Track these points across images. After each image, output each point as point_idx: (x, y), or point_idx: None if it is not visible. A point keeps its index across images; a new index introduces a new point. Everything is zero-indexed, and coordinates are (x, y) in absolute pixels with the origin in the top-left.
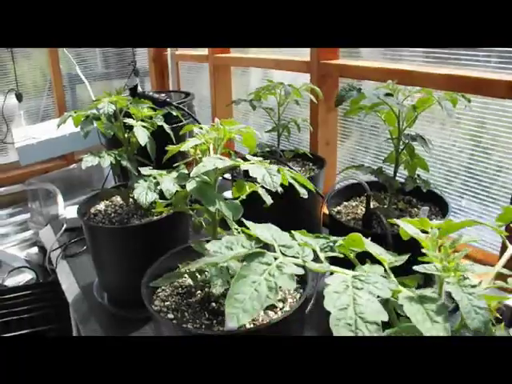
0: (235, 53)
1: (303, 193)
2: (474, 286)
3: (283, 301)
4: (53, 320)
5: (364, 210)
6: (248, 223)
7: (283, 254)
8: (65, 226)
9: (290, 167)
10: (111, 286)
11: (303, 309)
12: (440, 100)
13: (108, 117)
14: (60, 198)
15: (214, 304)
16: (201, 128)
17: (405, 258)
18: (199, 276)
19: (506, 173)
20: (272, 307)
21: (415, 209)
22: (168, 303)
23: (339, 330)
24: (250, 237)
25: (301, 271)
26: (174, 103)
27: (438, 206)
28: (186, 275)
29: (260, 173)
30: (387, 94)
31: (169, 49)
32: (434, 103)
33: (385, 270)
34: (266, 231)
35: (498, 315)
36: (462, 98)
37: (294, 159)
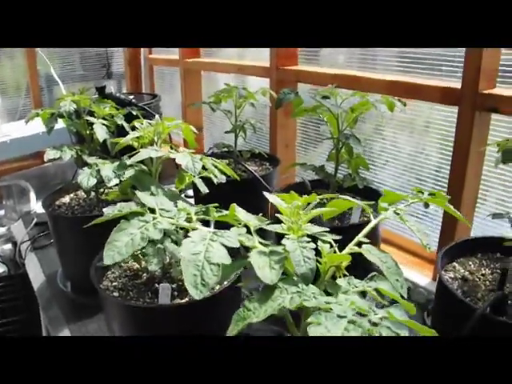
0: (204, 58)
1: (221, 177)
2: (308, 242)
3: (220, 283)
4: (23, 310)
5: None
6: (139, 193)
7: (162, 215)
8: (35, 220)
9: (244, 166)
10: (74, 275)
11: (233, 287)
12: (377, 103)
13: (69, 115)
14: (32, 194)
15: (157, 285)
16: (141, 123)
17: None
18: (142, 258)
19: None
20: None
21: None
22: (115, 283)
23: (188, 269)
24: (142, 205)
25: (171, 227)
26: (140, 104)
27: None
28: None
29: (185, 160)
30: (324, 97)
31: (142, 53)
32: (371, 106)
33: (249, 232)
34: (153, 200)
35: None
36: (399, 101)
37: (252, 159)
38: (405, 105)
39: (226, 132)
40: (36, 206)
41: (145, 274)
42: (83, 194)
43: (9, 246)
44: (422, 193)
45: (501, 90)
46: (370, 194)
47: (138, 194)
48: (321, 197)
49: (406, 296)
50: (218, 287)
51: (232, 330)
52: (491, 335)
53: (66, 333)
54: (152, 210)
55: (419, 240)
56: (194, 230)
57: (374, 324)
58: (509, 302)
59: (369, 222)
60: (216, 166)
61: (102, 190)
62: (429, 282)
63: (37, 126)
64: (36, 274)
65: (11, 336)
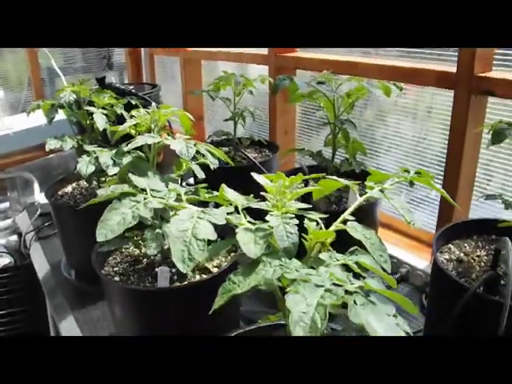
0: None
1: (214, 162)
2: (291, 218)
3: (218, 266)
4: (28, 300)
5: None
6: (131, 176)
7: (153, 196)
8: (39, 211)
9: (243, 152)
10: (77, 263)
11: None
12: (372, 88)
13: (69, 105)
14: (36, 186)
15: (157, 269)
16: (138, 111)
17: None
18: (142, 244)
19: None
20: (206, 271)
21: None
22: (116, 269)
23: (176, 245)
24: (134, 186)
25: (160, 206)
26: (140, 94)
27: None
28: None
29: (179, 146)
30: (319, 83)
31: None
32: (367, 91)
33: (236, 211)
34: (145, 181)
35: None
36: (394, 86)
37: (251, 146)
38: (401, 89)
39: (225, 120)
40: (40, 197)
41: (145, 260)
42: (85, 183)
43: (14, 238)
44: (408, 172)
45: (496, 74)
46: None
47: (131, 176)
48: (309, 177)
49: (389, 271)
50: (216, 270)
51: (218, 302)
52: (484, 314)
53: (70, 319)
54: (143, 191)
55: (403, 217)
56: (183, 209)
57: (349, 292)
58: (502, 281)
59: (365, 205)
60: (210, 151)
61: (103, 178)
62: (427, 265)
63: (39, 118)
64: (41, 264)
65: (17, 327)
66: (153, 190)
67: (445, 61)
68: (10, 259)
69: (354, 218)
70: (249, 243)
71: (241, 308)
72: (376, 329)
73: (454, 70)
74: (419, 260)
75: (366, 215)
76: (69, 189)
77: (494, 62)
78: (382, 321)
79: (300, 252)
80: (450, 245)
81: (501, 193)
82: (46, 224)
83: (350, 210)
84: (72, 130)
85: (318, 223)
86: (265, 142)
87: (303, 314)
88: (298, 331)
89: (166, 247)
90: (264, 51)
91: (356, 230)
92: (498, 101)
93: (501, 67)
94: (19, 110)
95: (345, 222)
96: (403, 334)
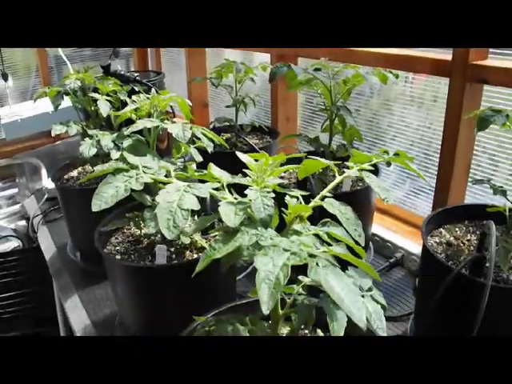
0: None
1: (209, 145)
2: (269, 192)
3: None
4: (36, 283)
5: None
6: (126, 155)
7: (144, 172)
8: (46, 195)
9: (244, 138)
10: (82, 245)
11: None
12: (368, 75)
13: (74, 92)
14: (44, 171)
15: (156, 249)
16: (139, 96)
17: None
18: (142, 224)
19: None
20: (203, 250)
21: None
22: (118, 248)
23: (163, 214)
24: (128, 163)
25: (150, 180)
26: (144, 81)
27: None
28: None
29: (176, 129)
30: (316, 69)
31: None
32: (363, 78)
33: (223, 186)
34: (137, 159)
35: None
36: (390, 73)
37: (253, 132)
38: (397, 77)
39: (226, 106)
40: (47, 182)
41: (145, 240)
42: (90, 168)
43: (23, 222)
44: (388, 153)
45: (491, 62)
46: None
47: (125, 154)
48: (291, 156)
49: (362, 244)
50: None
51: (199, 266)
52: (468, 295)
53: (75, 299)
54: (136, 168)
55: (378, 195)
56: (171, 183)
57: (313, 256)
58: (487, 264)
59: (361, 188)
60: (205, 135)
61: (107, 164)
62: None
63: (47, 105)
64: (48, 246)
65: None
66: (145, 167)
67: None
68: (18, 243)
69: (331, 195)
70: (229, 214)
71: (238, 289)
72: (333, 286)
73: (449, 58)
74: (415, 245)
75: (361, 199)
76: (74, 173)
77: (491, 50)
78: (341, 281)
79: (281, 226)
80: (441, 229)
81: (490, 177)
82: (53, 208)
83: (330, 187)
84: (78, 116)
85: (298, 199)
86: (266, 129)
87: (270, 272)
88: (263, 287)
89: None
90: None
91: (332, 205)
92: (495, 89)
93: (498, 55)
94: (27, 98)
95: (323, 199)
96: (360, 296)
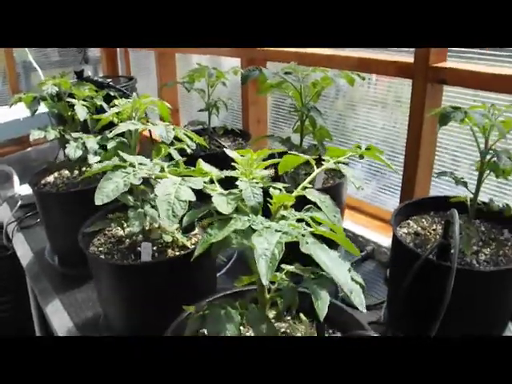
0: None
1: (191, 145)
2: (257, 183)
3: (195, 244)
4: (11, 291)
5: None
6: (122, 153)
7: (140, 168)
8: (20, 202)
9: (217, 141)
10: (61, 248)
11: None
12: (336, 78)
13: (51, 97)
14: (15, 178)
15: (138, 248)
16: (120, 101)
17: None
18: (125, 224)
19: None
20: (185, 248)
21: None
22: (101, 249)
23: (162, 205)
24: (124, 161)
25: (146, 175)
26: (117, 86)
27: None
28: (118, 227)
29: (159, 130)
30: (286, 73)
31: None
32: (331, 81)
33: (211, 181)
34: (133, 157)
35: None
36: (357, 76)
37: (225, 135)
38: (363, 79)
39: (199, 110)
40: (20, 189)
41: (127, 240)
42: (66, 172)
43: None
44: (360, 148)
45: (449, 64)
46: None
47: (121, 153)
48: (273, 151)
49: (341, 228)
50: (192, 247)
51: (198, 250)
52: (436, 279)
53: (56, 303)
54: (132, 165)
55: (354, 184)
56: (166, 178)
57: (303, 235)
58: (451, 250)
59: (332, 185)
60: (187, 136)
61: (83, 168)
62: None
63: (17, 112)
64: (24, 252)
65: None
66: (140, 164)
67: (406, 52)
68: None
69: (311, 186)
70: (222, 204)
71: (218, 286)
72: (322, 258)
73: (411, 60)
74: (385, 239)
75: (332, 195)
76: (51, 178)
77: (449, 54)
78: (328, 254)
79: (267, 215)
80: (409, 220)
81: (452, 170)
82: (28, 214)
83: (309, 179)
84: (50, 121)
85: (281, 190)
86: (238, 131)
87: (266, 249)
88: (261, 262)
89: (146, 228)
90: None
91: (313, 194)
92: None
93: (455, 58)
94: None
95: (305, 189)
96: (347, 265)
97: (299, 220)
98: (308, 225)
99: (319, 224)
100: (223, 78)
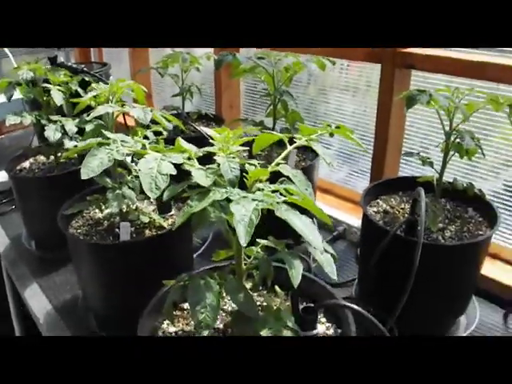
0: None
1: (168, 126)
2: (234, 158)
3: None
4: None
5: None
6: (105, 132)
7: (123, 145)
8: None
9: (192, 125)
10: (38, 233)
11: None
12: (308, 63)
13: (27, 82)
14: None
15: (117, 230)
16: (98, 85)
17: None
18: (103, 206)
19: None
20: (162, 229)
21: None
22: (80, 231)
23: (145, 178)
24: (107, 138)
25: (128, 152)
26: (91, 72)
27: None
28: (96, 210)
29: (137, 112)
30: (259, 58)
31: None
32: (303, 66)
33: (189, 158)
34: (115, 135)
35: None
36: (328, 61)
37: (199, 119)
38: (334, 63)
39: (173, 95)
40: None
41: (106, 222)
42: (42, 158)
43: None
44: (330, 126)
45: (417, 50)
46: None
47: (104, 131)
48: (248, 130)
49: (314, 200)
50: (169, 227)
51: (179, 221)
52: (403, 254)
53: (34, 287)
54: (115, 142)
55: (324, 160)
56: (148, 154)
57: (278, 203)
58: (418, 227)
59: (303, 167)
60: (164, 117)
61: (59, 153)
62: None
63: None
64: (0, 239)
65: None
66: (122, 141)
67: None
68: None
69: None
70: (201, 177)
71: (195, 267)
72: (296, 222)
73: None
74: (355, 220)
75: (306, 175)
76: (27, 164)
77: None
78: (301, 219)
79: (243, 189)
80: (378, 200)
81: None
82: (4, 201)
83: (282, 155)
84: (23, 107)
85: (256, 166)
86: (211, 116)
87: (244, 215)
88: (239, 226)
89: (124, 209)
90: None
91: (286, 169)
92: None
93: None
94: None
95: (278, 165)
96: (317, 232)
97: (274, 191)
98: (282, 196)
99: (292, 195)
100: (197, 63)
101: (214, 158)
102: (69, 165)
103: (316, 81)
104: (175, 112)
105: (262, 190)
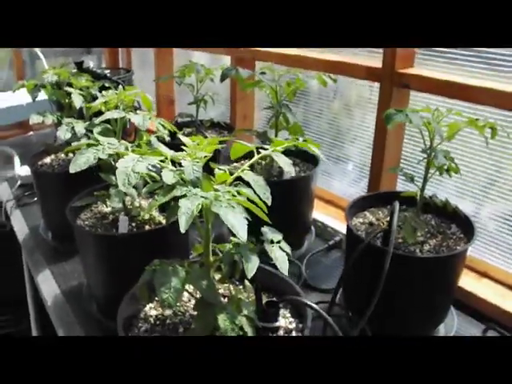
0: None
1: (165, 133)
2: (198, 162)
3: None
4: (7, 266)
5: None
6: (96, 135)
7: (108, 147)
8: (19, 182)
9: (203, 133)
10: (54, 225)
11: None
12: (309, 79)
13: (51, 85)
14: (16, 159)
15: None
16: (107, 92)
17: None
18: (108, 201)
19: None
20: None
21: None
22: (87, 222)
23: (120, 175)
24: (97, 141)
25: (112, 152)
26: (114, 78)
27: (309, 159)
28: (104, 205)
29: (137, 119)
30: (262, 73)
31: None
32: (304, 82)
33: (166, 159)
34: (103, 138)
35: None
36: (329, 78)
37: (212, 127)
38: (335, 81)
39: (188, 103)
40: (20, 169)
41: (111, 216)
42: (62, 155)
43: None
44: (298, 139)
45: (414, 70)
46: (308, 157)
47: (95, 135)
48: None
49: (269, 203)
50: (164, 222)
51: (146, 211)
52: (378, 262)
53: (46, 273)
54: (102, 144)
55: (283, 168)
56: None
57: (220, 201)
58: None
59: (299, 178)
60: (162, 125)
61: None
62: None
63: (20, 98)
64: (21, 228)
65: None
66: (109, 144)
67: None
68: None
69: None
70: (168, 176)
71: None
72: (227, 217)
73: (379, 65)
74: (340, 224)
75: (301, 186)
76: (48, 160)
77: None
78: (235, 215)
79: None
80: (366, 212)
81: (402, 167)
82: (26, 194)
83: (248, 163)
84: (51, 108)
85: (225, 171)
86: (224, 124)
87: (188, 208)
88: (183, 217)
89: (128, 206)
90: None
91: (248, 175)
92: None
93: (423, 65)
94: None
95: (243, 171)
96: (245, 227)
97: (228, 192)
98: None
99: (248, 198)
100: (211, 74)
101: (181, 161)
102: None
103: (342, 96)
104: (189, 119)
105: (218, 190)
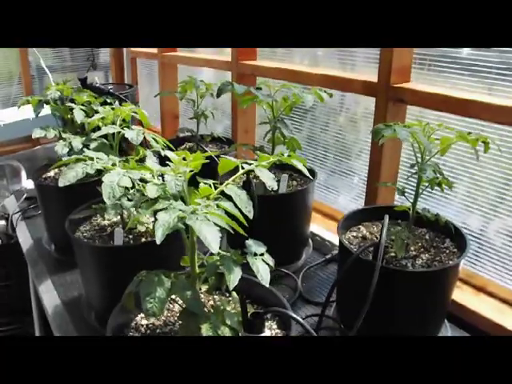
0: (180, 52)
1: (158, 147)
2: (180, 177)
3: None
4: (14, 276)
5: None
6: (86, 151)
7: (97, 162)
8: (25, 195)
9: (202, 147)
10: (57, 237)
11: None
12: (305, 94)
13: (55, 101)
14: (23, 173)
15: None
16: (104, 108)
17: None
18: (105, 214)
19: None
20: None
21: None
22: (85, 234)
23: (105, 188)
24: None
25: (100, 167)
26: (116, 93)
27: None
28: (102, 217)
29: (131, 134)
30: (257, 88)
31: None
32: (300, 97)
33: (154, 175)
34: (93, 153)
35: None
36: (325, 92)
37: (213, 142)
38: (331, 96)
39: (189, 118)
40: (26, 183)
41: (109, 228)
42: (65, 168)
43: (2, 222)
44: (283, 155)
45: (409, 85)
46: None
47: (86, 150)
48: (207, 154)
49: (251, 217)
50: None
51: (128, 224)
52: (368, 276)
53: (48, 283)
54: (91, 159)
55: (266, 183)
56: (113, 170)
57: (195, 213)
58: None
59: (295, 191)
60: (154, 139)
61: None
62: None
63: (28, 112)
64: (25, 239)
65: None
66: (98, 159)
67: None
68: None
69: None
70: (152, 190)
71: None
72: (201, 229)
73: (375, 79)
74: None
75: (298, 200)
76: (51, 173)
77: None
78: (210, 229)
79: None
80: (360, 225)
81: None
82: (31, 206)
83: (232, 178)
84: (57, 123)
85: (210, 186)
86: (224, 139)
87: (165, 221)
88: (159, 229)
89: (126, 218)
90: (228, 58)
91: (231, 189)
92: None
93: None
94: (9, 104)
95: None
96: (218, 240)
97: (208, 206)
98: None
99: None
100: (211, 89)
101: (165, 176)
102: (87, 177)
103: (349, 109)
104: (189, 134)
105: (199, 204)
